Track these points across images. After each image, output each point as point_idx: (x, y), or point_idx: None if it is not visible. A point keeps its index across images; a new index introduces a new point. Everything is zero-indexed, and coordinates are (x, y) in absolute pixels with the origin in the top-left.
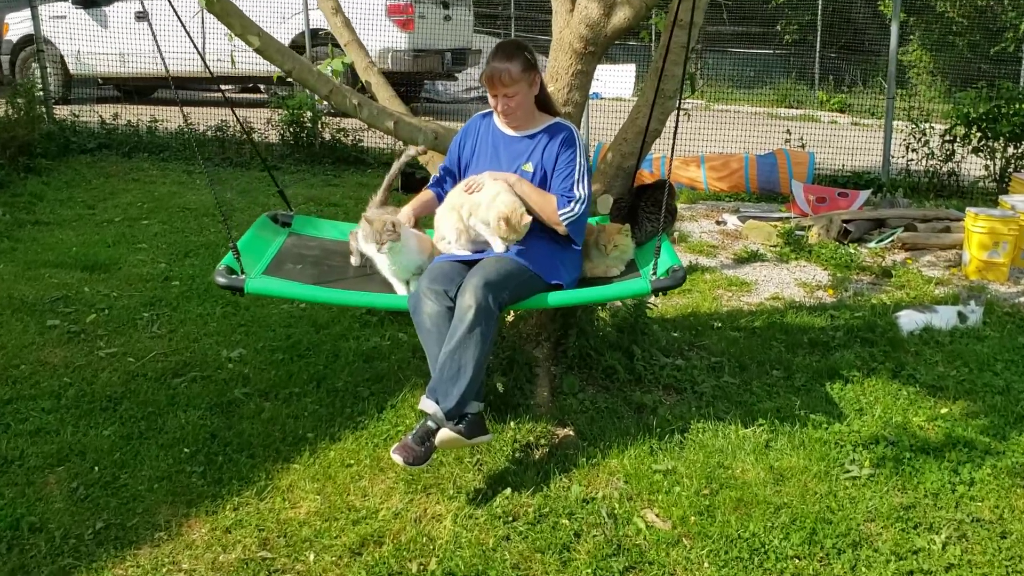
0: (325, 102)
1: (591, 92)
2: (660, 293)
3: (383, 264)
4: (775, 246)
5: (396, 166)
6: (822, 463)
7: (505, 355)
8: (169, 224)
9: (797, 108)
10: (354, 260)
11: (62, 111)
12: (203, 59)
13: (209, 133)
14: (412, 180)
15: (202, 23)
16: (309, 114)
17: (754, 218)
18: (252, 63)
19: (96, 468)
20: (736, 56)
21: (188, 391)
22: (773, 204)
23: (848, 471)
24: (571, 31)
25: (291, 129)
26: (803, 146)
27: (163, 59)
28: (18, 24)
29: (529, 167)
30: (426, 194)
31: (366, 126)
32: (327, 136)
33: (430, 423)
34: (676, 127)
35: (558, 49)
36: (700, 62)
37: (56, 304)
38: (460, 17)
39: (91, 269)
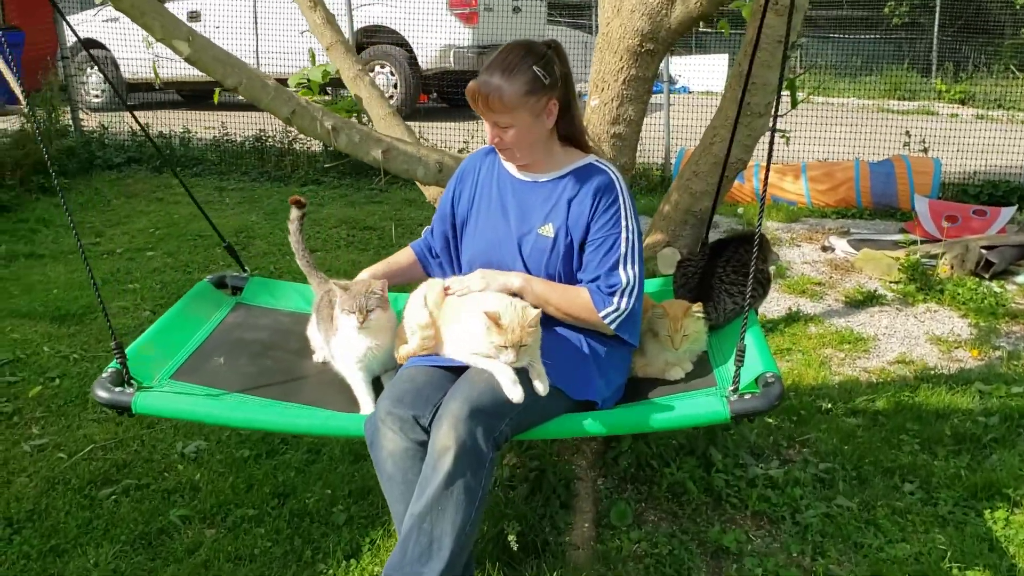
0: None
1: (677, 85)
2: (746, 419)
3: (349, 356)
4: (897, 282)
5: (292, 228)
6: None
7: (532, 467)
8: (174, 257)
9: (911, 100)
10: (316, 357)
11: (91, 122)
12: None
13: (247, 144)
14: None
15: (255, 21)
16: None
17: (868, 243)
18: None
19: None
20: (838, 42)
21: (113, 510)
22: (890, 222)
23: None
24: (622, 23)
25: None
26: (925, 150)
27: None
28: (76, 27)
29: (548, 230)
30: (405, 254)
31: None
32: None
33: None
34: (769, 157)
35: (605, 47)
36: (802, 56)
37: (3, 370)
38: (531, 8)
39: (61, 320)
